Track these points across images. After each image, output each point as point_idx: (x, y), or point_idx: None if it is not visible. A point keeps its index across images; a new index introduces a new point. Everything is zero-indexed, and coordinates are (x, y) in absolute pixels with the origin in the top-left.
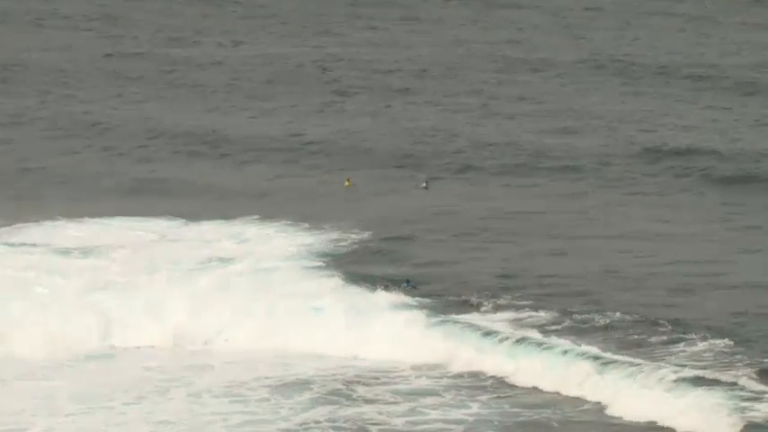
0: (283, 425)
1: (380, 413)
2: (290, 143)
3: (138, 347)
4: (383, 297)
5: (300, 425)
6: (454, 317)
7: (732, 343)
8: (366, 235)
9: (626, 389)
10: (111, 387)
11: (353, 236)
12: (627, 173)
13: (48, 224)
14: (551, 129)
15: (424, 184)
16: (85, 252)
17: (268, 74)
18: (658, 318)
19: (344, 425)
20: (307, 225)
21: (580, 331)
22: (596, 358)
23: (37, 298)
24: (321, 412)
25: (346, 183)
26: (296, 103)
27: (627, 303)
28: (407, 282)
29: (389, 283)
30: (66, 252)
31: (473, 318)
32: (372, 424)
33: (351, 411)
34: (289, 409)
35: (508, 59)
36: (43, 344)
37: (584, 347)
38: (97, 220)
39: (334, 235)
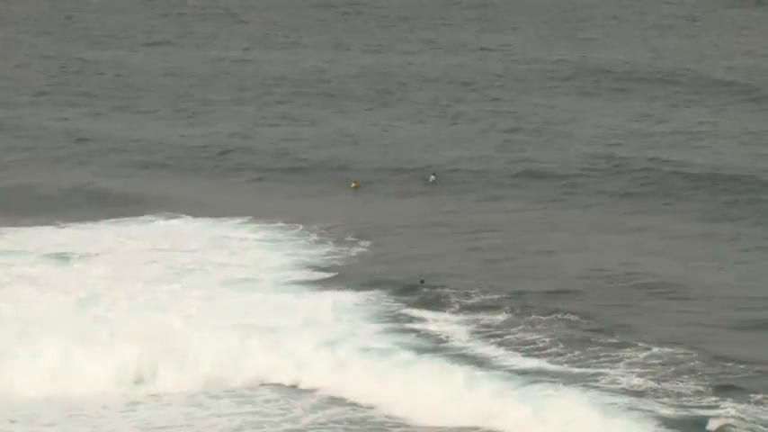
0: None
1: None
2: (283, 147)
3: None
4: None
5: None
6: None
7: (677, 356)
8: (356, 237)
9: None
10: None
11: (344, 239)
12: (593, 182)
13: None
14: (526, 138)
15: (433, 178)
16: (66, 259)
17: (250, 78)
18: (609, 327)
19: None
20: (301, 227)
21: (533, 334)
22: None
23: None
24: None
25: (353, 185)
26: (288, 107)
27: (585, 311)
28: (421, 282)
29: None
30: (52, 259)
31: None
32: (393, 426)
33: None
34: (301, 410)
35: (483, 66)
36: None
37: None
38: (84, 225)
39: (324, 238)
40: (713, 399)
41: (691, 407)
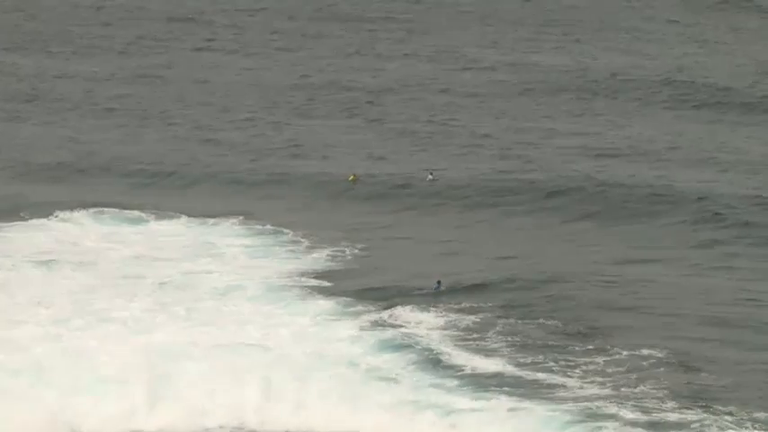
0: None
1: None
2: (275, 150)
3: None
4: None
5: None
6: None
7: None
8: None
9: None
10: None
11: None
12: (574, 191)
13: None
14: (510, 146)
15: (431, 176)
16: (47, 264)
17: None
18: (583, 332)
19: None
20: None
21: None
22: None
23: None
24: None
25: (351, 177)
26: (273, 112)
27: (557, 315)
28: (438, 283)
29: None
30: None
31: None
32: None
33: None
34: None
35: (463, 75)
36: None
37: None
38: (72, 227)
39: (316, 243)
40: (675, 405)
41: (653, 412)
